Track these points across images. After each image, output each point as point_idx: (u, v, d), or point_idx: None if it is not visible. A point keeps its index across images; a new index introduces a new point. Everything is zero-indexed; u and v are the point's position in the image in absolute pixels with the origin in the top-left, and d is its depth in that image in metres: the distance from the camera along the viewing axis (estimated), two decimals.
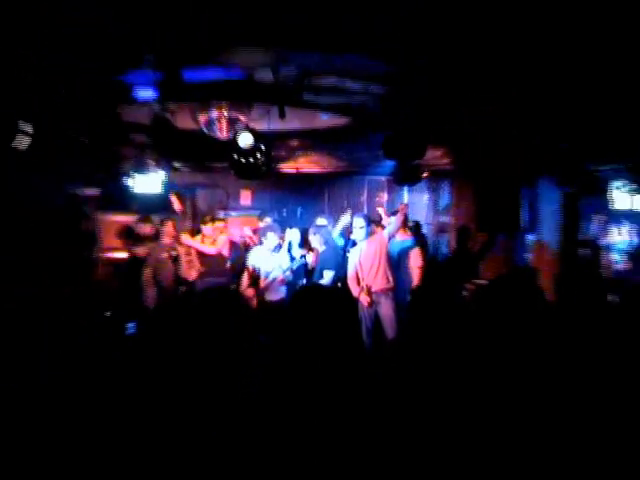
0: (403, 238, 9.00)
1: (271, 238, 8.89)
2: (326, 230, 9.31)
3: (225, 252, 9.62)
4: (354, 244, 8.79)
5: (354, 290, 8.44)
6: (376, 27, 4.71)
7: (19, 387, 3.76)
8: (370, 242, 8.50)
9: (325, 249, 8.99)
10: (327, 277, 8.75)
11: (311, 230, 9.21)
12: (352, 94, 7.36)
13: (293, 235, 9.21)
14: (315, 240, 9.02)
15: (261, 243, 9.04)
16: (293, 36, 5.32)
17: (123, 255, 10.68)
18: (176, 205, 9.66)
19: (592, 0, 4.51)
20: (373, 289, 8.41)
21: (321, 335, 2.88)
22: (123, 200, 10.74)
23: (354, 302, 8.31)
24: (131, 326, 6.83)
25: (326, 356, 2.84)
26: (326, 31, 5.11)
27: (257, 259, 8.88)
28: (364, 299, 8.33)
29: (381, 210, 9.20)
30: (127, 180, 9.97)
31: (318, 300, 3.06)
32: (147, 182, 10.07)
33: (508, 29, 4.91)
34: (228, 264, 9.64)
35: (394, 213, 9.31)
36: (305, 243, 9.28)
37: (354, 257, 8.60)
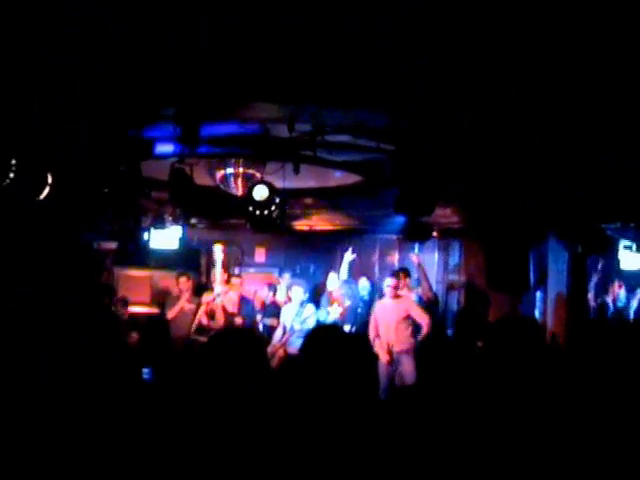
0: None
1: (297, 292, 9.16)
2: (353, 285, 9.55)
3: (234, 309, 9.79)
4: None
5: (375, 346, 8.57)
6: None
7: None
8: (397, 303, 8.65)
9: (350, 303, 9.22)
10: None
11: (339, 285, 9.45)
12: (364, 151, 7.60)
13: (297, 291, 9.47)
14: (342, 294, 9.25)
15: (289, 300, 9.33)
16: (307, 90, 5.58)
17: (139, 309, 10.92)
18: (219, 255, 9.87)
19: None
20: (395, 349, 8.51)
21: (333, 375, 2.85)
22: (139, 255, 10.98)
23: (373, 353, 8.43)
24: (147, 372, 6.98)
25: (337, 398, 2.80)
26: (337, 81, 5.35)
27: (288, 316, 9.14)
28: (383, 357, 8.43)
29: (415, 259, 9.48)
30: (144, 235, 10.22)
31: (331, 340, 3.04)
32: (164, 237, 10.31)
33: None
34: (239, 320, 9.81)
35: (403, 270, 9.52)
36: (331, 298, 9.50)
37: (377, 313, 8.75)
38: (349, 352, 2.97)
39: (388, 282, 8.80)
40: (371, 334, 8.70)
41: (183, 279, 9.82)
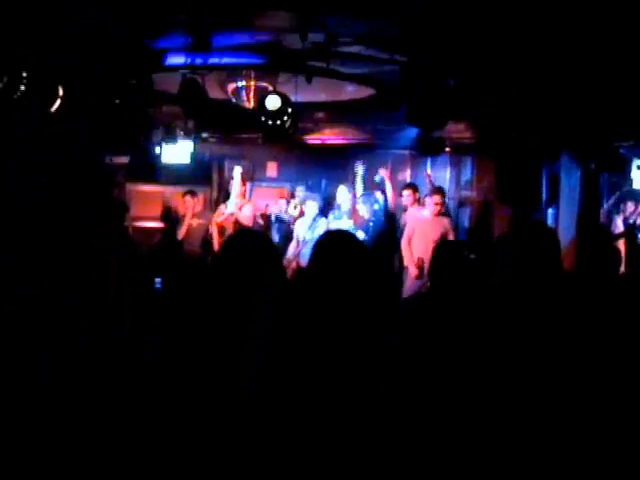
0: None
1: (311, 206, 9.21)
2: (374, 199, 9.54)
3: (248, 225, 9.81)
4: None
5: (406, 257, 8.66)
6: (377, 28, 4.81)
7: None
8: (438, 220, 8.68)
9: (368, 216, 9.24)
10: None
11: (359, 199, 9.46)
12: (377, 63, 7.50)
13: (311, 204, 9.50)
14: (363, 208, 9.26)
15: (303, 214, 9.41)
16: None
17: (151, 224, 10.99)
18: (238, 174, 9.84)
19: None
20: (426, 264, 8.55)
21: (347, 283, 2.73)
22: (151, 170, 10.98)
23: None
24: (158, 281, 7.07)
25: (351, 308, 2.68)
26: None
27: (301, 229, 9.20)
28: (413, 270, 8.52)
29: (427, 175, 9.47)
30: (156, 150, 10.19)
31: (343, 245, 2.90)
32: (175, 152, 10.29)
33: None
34: None
35: (412, 186, 9.52)
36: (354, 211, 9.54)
37: (416, 226, 8.77)
38: (363, 257, 2.87)
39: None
40: (403, 244, 8.78)
41: (188, 197, 9.83)
